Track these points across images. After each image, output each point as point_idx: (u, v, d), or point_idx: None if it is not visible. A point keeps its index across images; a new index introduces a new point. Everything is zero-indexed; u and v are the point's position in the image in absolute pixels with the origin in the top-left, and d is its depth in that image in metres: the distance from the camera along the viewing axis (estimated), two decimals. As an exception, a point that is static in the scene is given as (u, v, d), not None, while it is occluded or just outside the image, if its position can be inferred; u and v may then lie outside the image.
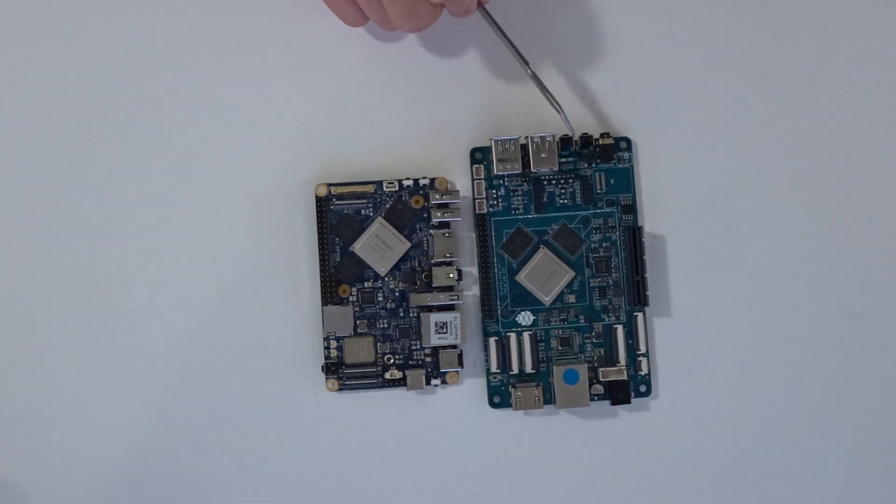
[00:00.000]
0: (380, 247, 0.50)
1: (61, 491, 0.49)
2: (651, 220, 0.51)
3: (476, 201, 0.50)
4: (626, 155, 0.51)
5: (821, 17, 0.51)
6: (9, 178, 0.50)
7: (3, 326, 0.48)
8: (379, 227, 0.50)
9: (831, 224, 0.51)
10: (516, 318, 0.50)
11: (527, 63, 0.48)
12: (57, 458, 0.49)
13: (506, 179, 0.50)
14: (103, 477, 0.49)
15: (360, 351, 0.50)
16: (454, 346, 0.50)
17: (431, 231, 0.50)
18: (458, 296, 0.49)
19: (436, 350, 0.50)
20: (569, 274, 0.50)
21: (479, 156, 0.50)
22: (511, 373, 0.50)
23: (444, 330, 0.49)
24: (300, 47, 0.51)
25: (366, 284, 0.50)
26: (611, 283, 0.50)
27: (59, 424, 0.49)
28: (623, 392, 0.49)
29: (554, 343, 0.50)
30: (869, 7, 0.52)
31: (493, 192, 0.50)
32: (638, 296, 0.49)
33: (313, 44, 0.51)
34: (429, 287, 0.50)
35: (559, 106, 0.48)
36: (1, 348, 0.49)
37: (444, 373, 0.50)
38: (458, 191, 0.50)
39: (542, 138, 0.50)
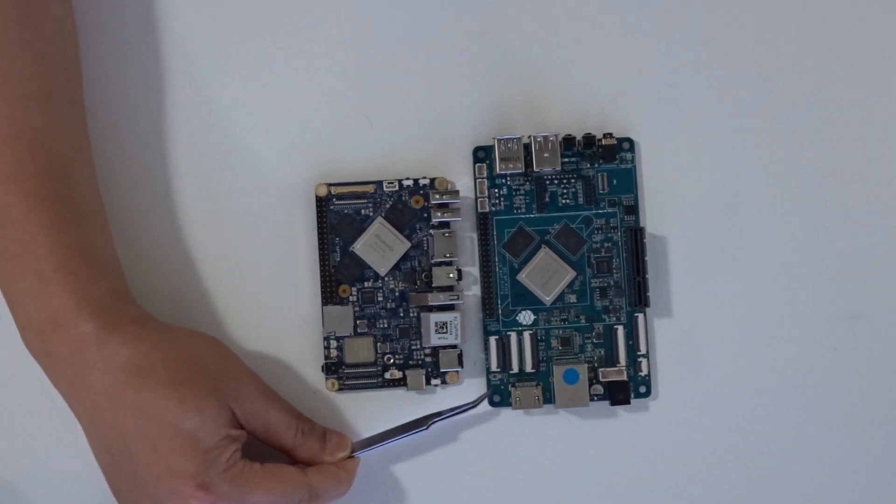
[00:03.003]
0: (380, 247, 0.49)
1: (61, 491, 0.49)
2: (653, 221, 0.50)
3: (478, 200, 0.50)
4: (628, 156, 0.50)
5: (823, 18, 0.51)
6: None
7: (3, 326, 0.47)
8: (379, 227, 0.49)
9: (832, 225, 0.51)
10: (517, 318, 0.50)
11: None
12: (57, 458, 0.49)
13: (508, 178, 0.50)
14: (102, 477, 0.49)
15: (360, 351, 0.49)
16: (454, 346, 0.49)
17: (431, 231, 0.49)
18: (458, 296, 0.49)
19: (436, 350, 0.49)
20: (570, 274, 0.50)
21: (481, 154, 0.50)
22: (511, 372, 0.50)
23: (444, 330, 0.49)
24: (300, 47, 0.50)
25: (366, 284, 0.50)
26: (612, 283, 0.50)
27: (60, 424, 0.49)
28: (623, 392, 0.49)
29: (554, 343, 0.50)
30: (870, 7, 0.51)
31: (496, 191, 0.50)
32: (639, 296, 0.49)
33: (313, 43, 0.50)
34: (429, 287, 0.49)
35: None
36: (1, 348, 0.49)
37: (444, 373, 0.50)
38: (458, 191, 0.50)
39: (545, 138, 0.49)
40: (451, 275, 0.49)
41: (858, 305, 0.51)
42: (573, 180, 0.50)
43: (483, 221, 0.50)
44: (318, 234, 0.49)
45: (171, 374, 0.44)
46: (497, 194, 0.50)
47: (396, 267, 0.50)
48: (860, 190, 0.51)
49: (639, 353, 0.50)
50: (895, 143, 0.51)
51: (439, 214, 0.49)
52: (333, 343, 0.49)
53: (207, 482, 0.43)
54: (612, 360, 0.50)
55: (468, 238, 0.50)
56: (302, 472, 0.46)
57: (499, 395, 0.50)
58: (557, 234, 0.50)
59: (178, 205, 0.50)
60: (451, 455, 0.50)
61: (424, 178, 0.50)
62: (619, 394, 0.49)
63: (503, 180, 0.50)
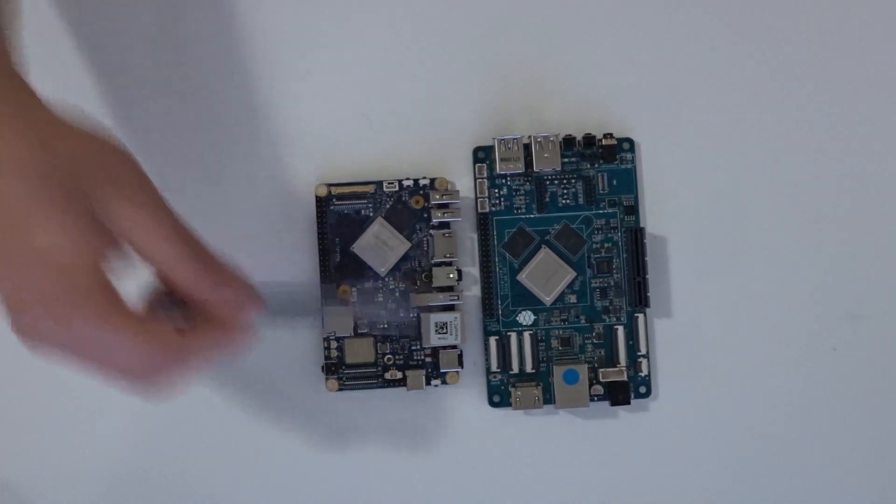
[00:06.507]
0: (380, 247, 0.49)
1: (61, 491, 0.49)
2: (653, 221, 0.50)
3: (478, 200, 0.50)
4: (628, 156, 0.50)
5: (823, 18, 0.51)
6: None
7: (3, 327, 0.47)
8: (379, 227, 0.49)
9: (832, 225, 0.51)
10: (517, 318, 0.50)
11: None
12: (56, 458, 0.49)
13: (508, 179, 0.50)
14: (102, 477, 0.49)
15: (360, 351, 0.49)
16: (454, 347, 0.49)
17: (431, 231, 0.49)
18: (458, 296, 0.49)
19: (436, 350, 0.49)
20: (570, 274, 0.50)
21: (481, 155, 0.50)
22: (511, 372, 0.50)
23: (444, 330, 0.49)
24: (300, 47, 0.50)
25: (366, 284, 0.50)
26: (612, 283, 0.50)
27: (60, 424, 0.49)
28: (623, 393, 0.49)
29: (554, 343, 0.50)
30: (870, 7, 0.51)
31: (496, 191, 0.50)
32: (639, 297, 0.49)
33: (313, 43, 0.50)
34: (429, 287, 0.49)
35: None
36: (1, 349, 0.49)
37: (444, 373, 0.50)
38: (458, 191, 0.50)
39: (546, 138, 0.49)
40: (451, 275, 0.49)
41: (858, 305, 0.51)
42: (573, 180, 0.50)
43: (483, 221, 0.50)
44: (318, 234, 0.49)
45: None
46: (497, 194, 0.50)
47: (396, 267, 0.50)
48: (860, 190, 0.51)
49: (639, 353, 0.50)
50: (895, 143, 0.51)
51: (439, 214, 0.49)
52: (333, 343, 0.49)
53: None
54: (612, 360, 0.50)
55: (468, 238, 0.50)
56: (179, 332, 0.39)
57: (499, 396, 0.50)
58: (557, 234, 0.50)
59: (177, 205, 0.50)
60: (450, 455, 0.50)
61: (424, 178, 0.50)
62: (619, 394, 0.49)
63: (503, 180, 0.50)
